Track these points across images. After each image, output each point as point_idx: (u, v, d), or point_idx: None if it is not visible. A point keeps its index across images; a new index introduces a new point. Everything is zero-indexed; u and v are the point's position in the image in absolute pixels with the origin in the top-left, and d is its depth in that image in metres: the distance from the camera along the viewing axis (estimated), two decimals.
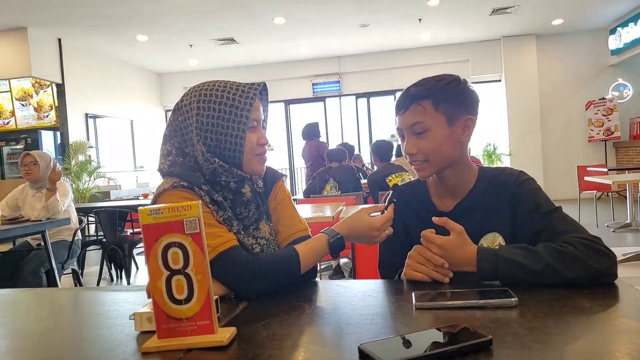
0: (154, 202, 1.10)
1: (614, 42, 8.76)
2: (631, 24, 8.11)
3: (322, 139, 6.74)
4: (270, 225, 1.22)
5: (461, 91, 1.15)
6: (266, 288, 1.03)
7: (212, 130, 1.09)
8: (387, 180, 4.08)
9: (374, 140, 9.97)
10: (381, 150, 4.46)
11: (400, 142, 1.22)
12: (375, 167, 4.73)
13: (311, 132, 6.17)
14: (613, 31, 8.76)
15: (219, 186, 1.13)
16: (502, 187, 1.18)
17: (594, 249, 0.99)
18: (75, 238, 3.67)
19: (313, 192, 4.62)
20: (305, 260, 1.07)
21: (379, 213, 1.12)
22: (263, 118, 1.18)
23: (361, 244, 1.17)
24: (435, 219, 1.07)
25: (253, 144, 1.13)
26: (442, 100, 1.13)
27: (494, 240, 1.15)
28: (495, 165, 8.79)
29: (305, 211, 3.06)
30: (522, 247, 1.01)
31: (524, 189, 1.16)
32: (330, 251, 1.09)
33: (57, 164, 3.72)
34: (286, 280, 1.07)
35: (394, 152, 4.75)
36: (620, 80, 9.07)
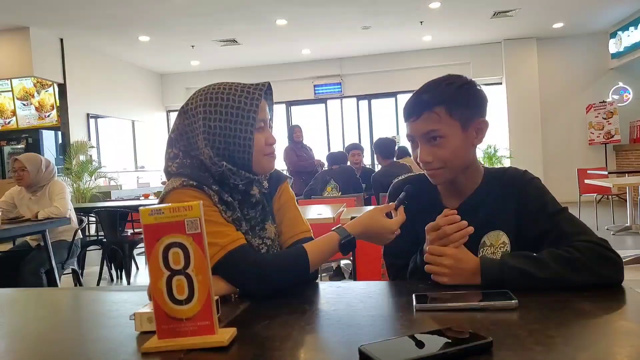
0: (161, 200, 1.09)
1: (614, 46, 8.77)
2: (631, 28, 8.12)
3: (311, 141, 6.52)
4: (275, 225, 1.22)
5: (473, 94, 1.13)
6: (275, 287, 1.03)
7: (220, 133, 1.09)
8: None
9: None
10: (383, 147, 4.46)
11: (411, 148, 1.19)
12: (379, 166, 4.70)
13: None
14: (613, 35, 8.77)
15: (228, 188, 1.13)
16: (508, 186, 1.18)
17: (600, 255, 0.98)
18: (76, 238, 3.67)
19: (314, 193, 4.62)
20: (313, 259, 1.07)
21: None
22: (269, 117, 1.18)
23: (370, 242, 1.15)
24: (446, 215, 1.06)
25: (261, 144, 1.13)
26: (456, 105, 1.10)
27: (497, 238, 1.15)
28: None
29: (306, 212, 3.05)
30: (527, 256, 1.00)
31: (530, 188, 1.16)
32: (341, 251, 1.09)
33: (51, 164, 3.65)
34: (295, 279, 1.06)
35: (396, 149, 4.74)
36: (621, 84, 9.08)
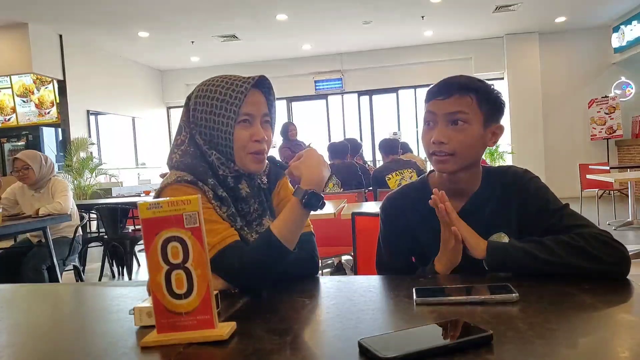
0: (157, 196, 1.09)
1: (617, 40, 8.73)
2: (634, 22, 8.08)
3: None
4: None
5: (500, 98, 1.16)
6: (263, 276, 1.03)
7: (204, 125, 1.11)
8: (386, 179, 4.07)
9: (376, 138, 10.04)
10: (387, 145, 4.47)
11: (424, 130, 1.16)
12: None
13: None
14: (616, 29, 8.73)
15: (224, 182, 1.12)
16: (508, 187, 1.17)
17: (605, 244, 0.99)
18: (77, 234, 3.67)
19: None
20: (282, 232, 1.03)
21: None
22: (265, 112, 1.13)
23: (322, 179, 1.08)
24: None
25: (245, 140, 1.09)
26: (486, 100, 1.12)
27: (500, 240, 1.15)
28: (497, 164, 8.77)
29: None
30: (531, 239, 1.02)
31: (531, 188, 1.15)
32: (309, 209, 1.04)
33: (49, 158, 3.63)
34: (277, 261, 1.04)
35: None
36: (623, 79, 9.04)
